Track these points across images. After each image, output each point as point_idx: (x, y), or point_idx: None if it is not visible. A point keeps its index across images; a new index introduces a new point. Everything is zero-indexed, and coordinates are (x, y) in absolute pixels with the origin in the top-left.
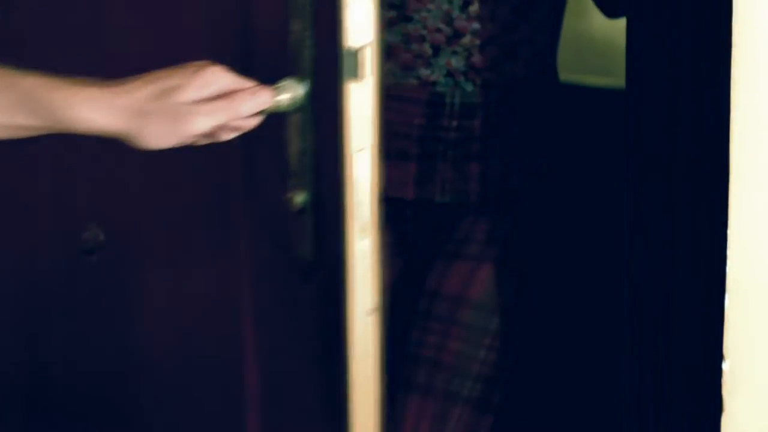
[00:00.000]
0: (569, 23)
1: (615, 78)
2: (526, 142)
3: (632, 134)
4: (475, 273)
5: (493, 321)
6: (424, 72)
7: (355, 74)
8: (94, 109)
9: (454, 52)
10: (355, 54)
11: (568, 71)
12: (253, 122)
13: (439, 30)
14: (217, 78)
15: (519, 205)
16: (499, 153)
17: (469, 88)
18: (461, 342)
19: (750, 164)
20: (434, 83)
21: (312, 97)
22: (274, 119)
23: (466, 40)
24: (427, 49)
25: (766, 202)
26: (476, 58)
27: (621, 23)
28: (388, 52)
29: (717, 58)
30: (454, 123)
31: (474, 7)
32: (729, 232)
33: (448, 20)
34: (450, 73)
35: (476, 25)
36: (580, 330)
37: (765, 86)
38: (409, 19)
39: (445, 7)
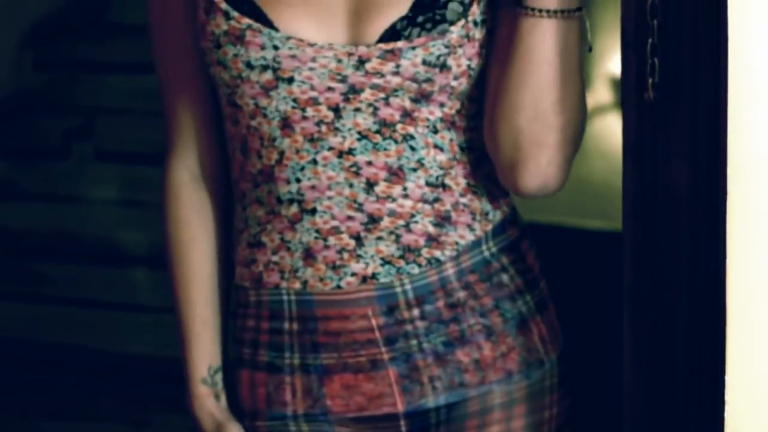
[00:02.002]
0: None
1: (613, 221)
2: (519, 305)
3: (631, 277)
4: None
5: None
6: (356, 266)
7: None
8: None
9: (380, 238)
10: None
11: (568, 215)
12: None
13: (350, 218)
14: None
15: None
16: (487, 331)
17: (415, 270)
18: None
19: (746, 312)
20: (374, 275)
21: None
22: None
23: (386, 223)
24: (348, 240)
25: (762, 340)
26: (407, 239)
27: (618, 168)
28: (307, 254)
29: (713, 205)
30: (416, 312)
31: (380, 187)
32: (727, 378)
33: (357, 206)
34: (386, 261)
35: (391, 205)
36: None
37: (760, 237)
38: (313, 212)
39: (347, 191)
